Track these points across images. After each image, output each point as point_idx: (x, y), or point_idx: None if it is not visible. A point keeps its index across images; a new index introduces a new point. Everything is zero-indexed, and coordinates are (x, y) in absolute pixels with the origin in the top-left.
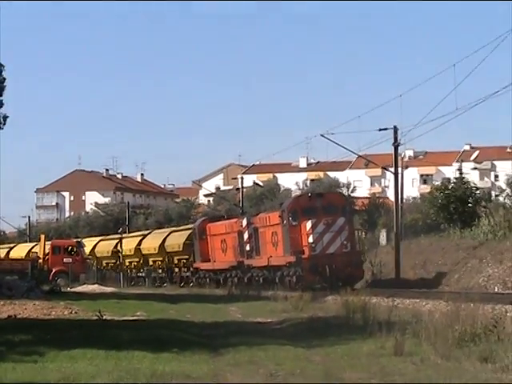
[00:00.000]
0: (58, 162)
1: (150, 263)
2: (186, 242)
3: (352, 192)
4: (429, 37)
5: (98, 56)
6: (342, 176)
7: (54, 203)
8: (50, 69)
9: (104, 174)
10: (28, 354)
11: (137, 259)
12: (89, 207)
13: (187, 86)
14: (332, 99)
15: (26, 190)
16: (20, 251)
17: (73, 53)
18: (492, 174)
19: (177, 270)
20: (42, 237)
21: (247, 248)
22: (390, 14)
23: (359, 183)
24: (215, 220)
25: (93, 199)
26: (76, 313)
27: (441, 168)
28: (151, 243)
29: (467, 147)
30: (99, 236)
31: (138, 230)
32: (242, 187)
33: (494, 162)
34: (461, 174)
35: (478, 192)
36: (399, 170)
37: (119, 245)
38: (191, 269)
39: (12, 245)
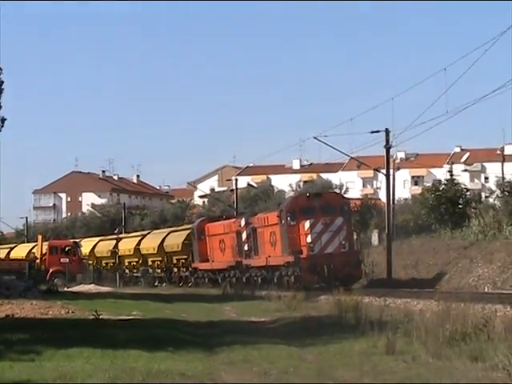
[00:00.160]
0: (55, 163)
1: (149, 263)
2: (184, 242)
3: (344, 193)
4: (420, 41)
5: (95, 59)
6: (335, 177)
7: (51, 204)
8: (47, 71)
9: (100, 176)
10: (25, 352)
11: (136, 259)
12: (85, 208)
13: (183, 88)
14: (325, 102)
15: (23, 192)
16: (20, 251)
17: (70, 55)
18: (482, 175)
19: (176, 269)
20: (40, 237)
21: (245, 248)
22: (382, 18)
23: (351, 184)
24: (214, 220)
25: (89, 200)
26: (73, 312)
27: (432, 170)
28: (150, 243)
29: (458, 149)
30: (96, 236)
31: (135, 231)
32: (237, 188)
33: (484, 164)
34: (451, 175)
35: (468, 193)
36: (391, 171)
37: (118, 245)
38: (190, 269)
39: (13, 245)
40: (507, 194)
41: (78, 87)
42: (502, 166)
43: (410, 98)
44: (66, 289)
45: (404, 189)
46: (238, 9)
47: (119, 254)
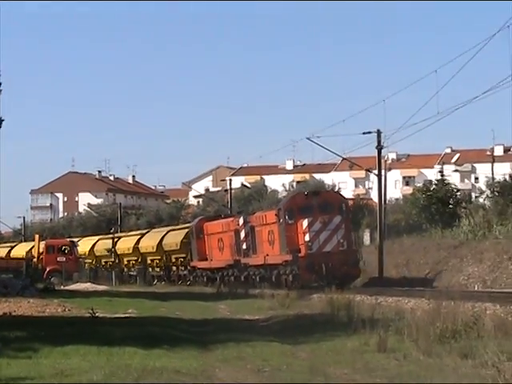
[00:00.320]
0: (52, 164)
1: (148, 262)
2: (183, 241)
3: None
4: (411, 43)
5: (93, 60)
6: (327, 178)
7: (48, 204)
8: (44, 72)
9: (97, 176)
10: (23, 350)
11: (135, 258)
12: (82, 208)
13: (178, 89)
14: (317, 103)
15: (20, 192)
16: (21, 250)
17: (67, 56)
18: (472, 176)
19: (174, 268)
20: (37, 236)
21: (244, 247)
22: (374, 22)
23: (344, 185)
24: (212, 219)
25: (86, 200)
26: (69, 310)
27: (423, 170)
28: (149, 242)
29: (448, 150)
30: (95, 235)
31: (130, 230)
32: (231, 189)
33: (474, 165)
34: (442, 176)
35: (458, 193)
36: (382, 172)
37: (117, 244)
38: (188, 267)
39: (13, 244)
40: (497, 194)
41: (75, 88)
42: (492, 166)
43: (402, 100)
44: (62, 287)
45: (395, 189)
46: (232, 10)
47: (118, 252)
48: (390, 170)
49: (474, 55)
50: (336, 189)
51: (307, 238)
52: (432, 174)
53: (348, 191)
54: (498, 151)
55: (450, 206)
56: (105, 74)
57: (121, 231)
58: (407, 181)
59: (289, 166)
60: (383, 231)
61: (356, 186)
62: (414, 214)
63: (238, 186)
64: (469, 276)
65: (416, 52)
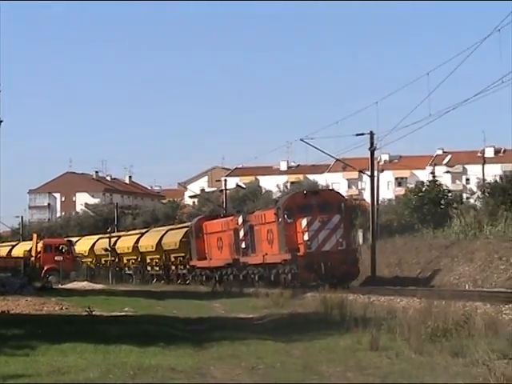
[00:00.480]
0: (50, 164)
1: (148, 261)
2: (182, 240)
3: None
4: (404, 46)
5: (90, 61)
6: (321, 179)
7: (45, 204)
8: (42, 74)
9: (94, 176)
10: (20, 347)
11: (135, 257)
12: (79, 208)
13: (174, 91)
14: (311, 105)
15: (19, 191)
16: (22, 249)
17: (65, 57)
18: (463, 177)
19: (173, 267)
20: (35, 236)
21: (243, 246)
22: (367, 24)
23: (337, 185)
24: (211, 218)
25: (83, 200)
26: (66, 308)
27: (415, 171)
28: (148, 241)
29: (440, 152)
30: (94, 235)
31: (127, 230)
32: (226, 189)
33: (466, 166)
34: (434, 177)
35: (449, 194)
36: (375, 173)
37: (117, 243)
38: (188, 266)
39: (14, 243)
40: (487, 195)
41: (73, 90)
42: (483, 167)
43: (394, 102)
44: (60, 286)
45: (388, 190)
46: (231, 12)
47: (118, 251)
48: (382, 171)
49: (466, 58)
50: None
51: (306, 237)
52: (424, 175)
53: (341, 192)
54: (489, 153)
55: (442, 206)
56: (102, 75)
57: (117, 231)
58: (399, 182)
59: (283, 166)
60: (376, 231)
61: (349, 186)
62: (406, 214)
63: (233, 186)
64: (460, 275)
65: (408, 55)
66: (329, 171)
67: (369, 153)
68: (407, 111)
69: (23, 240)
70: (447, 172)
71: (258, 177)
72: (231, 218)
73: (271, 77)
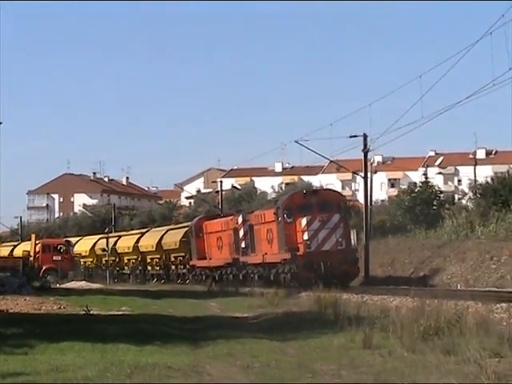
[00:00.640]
0: (49, 165)
1: (148, 260)
2: (182, 240)
3: None
4: (396, 49)
5: (88, 63)
6: (315, 180)
7: (44, 204)
8: (42, 77)
9: (91, 178)
10: (19, 346)
11: (135, 257)
12: (77, 208)
13: (171, 93)
14: (306, 108)
15: (18, 192)
16: (23, 249)
17: (63, 59)
18: (455, 178)
19: (173, 267)
20: (33, 236)
21: (242, 245)
22: (361, 28)
23: (331, 187)
24: (211, 218)
25: (81, 201)
26: (65, 308)
27: (407, 173)
28: (149, 241)
29: (432, 153)
30: (95, 235)
31: (124, 230)
32: (221, 190)
33: (457, 168)
34: (426, 178)
35: (442, 195)
36: (368, 174)
37: (118, 243)
38: (188, 266)
39: (16, 243)
40: (479, 196)
41: (71, 93)
42: (475, 169)
43: (387, 105)
44: (58, 285)
45: (381, 191)
46: (224, 14)
47: (119, 251)
48: (375, 172)
49: (458, 61)
50: None
51: (306, 236)
52: (416, 177)
53: None
54: (481, 154)
55: (434, 207)
56: (100, 78)
57: (115, 231)
58: (392, 183)
59: (278, 168)
60: (369, 232)
61: (343, 187)
62: (399, 215)
63: (229, 187)
64: (452, 275)
65: (401, 58)
66: (323, 172)
67: (362, 154)
68: (400, 113)
69: (22, 240)
70: (439, 173)
71: (253, 178)
72: (231, 217)
73: (266, 80)
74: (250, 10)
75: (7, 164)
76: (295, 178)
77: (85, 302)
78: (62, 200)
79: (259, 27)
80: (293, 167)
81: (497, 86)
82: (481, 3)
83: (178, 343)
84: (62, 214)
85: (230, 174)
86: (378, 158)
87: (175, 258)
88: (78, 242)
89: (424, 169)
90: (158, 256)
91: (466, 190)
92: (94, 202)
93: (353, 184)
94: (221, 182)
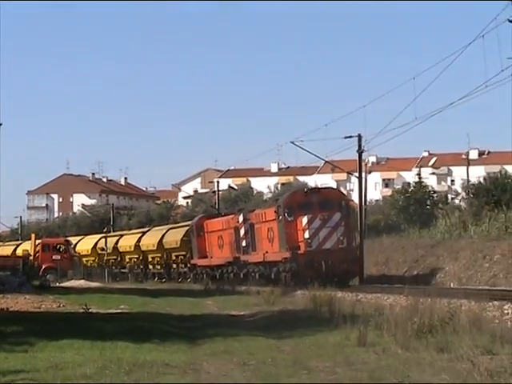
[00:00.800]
0: (48, 166)
1: (149, 259)
2: (183, 239)
3: None
4: (390, 51)
5: (86, 66)
6: (311, 180)
7: (44, 204)
8: (41, 77)
9: (90, 178)
10: (19, 344)
11: (136, 256)
12: (76, 208)
13: (168, 95)
14: (301, 109)
15: (18, 193)
16: (26, 248)
17: (61, 61)
18: (448, 178)
19: (175, 266)
20: (33, 235)
21: (243, 244)
22: (355, 30)
23: None
24: (212, 217)
25: (80, 201)
26: (64, 306)
27: (401, 173)
28: (150, 240)
29: (426, 154)
30: (97, 234)
31: (122, 230)
32: (218, 190)
33: (451, 168)
34: (420, 178)
35: (435, 195)
36: (363, 174)
37: (119, 242)
38: (189, 265)
39: (18, 242)
40: (472, 195)
41: (70, 95)
42: (467, 169)
43: (381, 106)
44: (57, 284)
45: (375, 191)
46: (219, 15)
47: (120, 250)
48: (370, 172)
49: (451, 63)
50: None
51: (307, 235)
52: (410, 177)
53: None
54: (473, 155)
55: (428, 207)
56: (99, 79)
57: (113, 231)
58: (386, 183)
59: (274, 168)
60: (363, 231)
61: (337, 188)
62: (393, 214)
63: (226, 187)
64: (445, 274)
65: (395, 60)
66: (318, 173)
67: (357, 155)
68: (394, 114)
69: (24, 240)
70: (433, 173)
71: (250, 178)
72: (232, 216)
73: (261, 82)
74: (247, 11)
75: (7, 164)
76: (291, 178)
77: (84, 301)
78: (61, 200)
79: (255, 29)
80: (288, 167)
81: (489, 88)
82: (473, 6)
83: (175, 341)
84: (61, 213)
85: (227, 174)
86: (373, 159)
87: (176, 256)
88: (79, 241)
89: (418, 169)
90: (160, 255)
91: (459, 190)
92: (92, 202)
93: (347, 184)
94: (218, 182)
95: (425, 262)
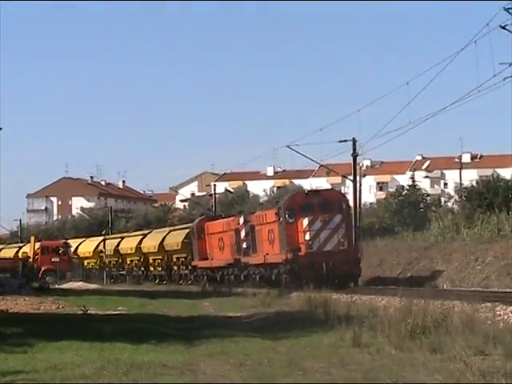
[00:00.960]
0: (47, 170)
1: (150, 261)
2: (184, 241)
3: None
4: (384, 56)
5: (85, 70)
6: (306, 183)
7: (43, 207)
8: (39, 82)
9: (89, 181)
10: (19, 345)
11: (138, 258)
12: (75, 211)
13: (165, 98)
14: (296, 113)
15: (17, 196)
16: (27, 250)
17: (59, 64)
18: (441, 181)
19: (176, 268)
20: (32, 238)
21: (244, 246)
22: (349, 36)
23: None
24: (213, 219)
25: (79, 204)
26: (63, 307)
27: (395, 176)
28: (151, 242)
29: (419, 157)
30: (97, 236)
31: (120, 232)
32: (215, 193)
33: (444, 171)
34: (413, 181)
35: (428, 198)
36: (357, 178)
37: (120, 244)
38: (189, 267)
39: (21, 244)
40: (464, 199)
41: (69, 99)
42: (460, 172)
43: (376, 110)
44: (56, 286)
45: (370, 194)
46: (215, 17)
47: (121, 252)
48: (364, 176)
49: (443, 68)
50: None
51: (307, 236)
52: (404, 180)
53: None
54: (466, 158)
55: (421, 209)
56: (97, 84)
57: (112, 233)
58: (381, 186)
59: (270, 172)
60: (358, 234)
61: None
62: (387, 217)
63: (222, 191)
64: (438, 276)
65: (389, 65)
66: (313, 176)
67: (351, 158)
68: (388, 119)
69: (27, 242)
70: (426, 177)
71: (246, 182)
72: (232, 218)
73: (257, 86)
74: (243, 14)
75: (7, 168)
76: (286, 181)
77: (82, 302)
78: (60, 203)
79: (252, 33)
80: (284, 171)
81: (481, 93)
82: (466, 12)
83: (172, 342)
84: (60, 216)
85: (224, 177)
86: (367, 162)
87: (177, 258)
88: (81, 243)
89: (411, 172)
90: (160, 257)
91: (452, 193)
92: (91, 205)
93: (342, 187)
94: (214, 185)
95: (418, 264)
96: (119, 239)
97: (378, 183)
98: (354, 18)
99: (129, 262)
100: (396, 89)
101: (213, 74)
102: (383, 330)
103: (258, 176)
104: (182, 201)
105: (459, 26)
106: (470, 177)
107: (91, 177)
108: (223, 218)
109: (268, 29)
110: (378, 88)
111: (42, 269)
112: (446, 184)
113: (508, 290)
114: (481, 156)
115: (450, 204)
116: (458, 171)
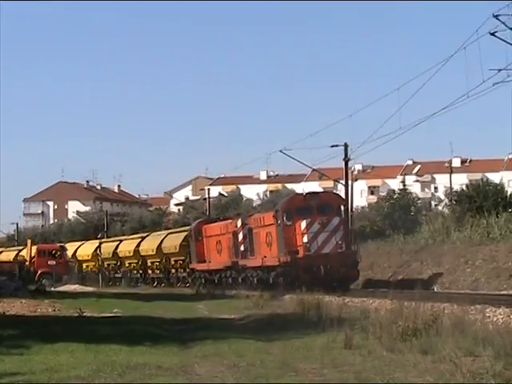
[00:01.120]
0: (43, 174)
1: (149, 264)
2: (182, 244)
3: None
4: (375, 62)
5: (81, 74)
6: (298, 188)
7: (39, 211)
8: (37, 86)
9: (85, 185)
10: (15, 347)
11: (136, 260)
12: (71, 215)
13: (161, 103)
14: (289, 118)
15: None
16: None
17: (57, 68)
18: (432, 185)
19: (174, 270)
20: (29, 241)
21: (242, 248)
22: (341, 41)
23: None
24: (211, 221)
25: (74, 208)
26: (59, 310)
27: (386, 180)
28: (149, 245)
29: (410, 162)
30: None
31: (116, 236)
32: (209, 197)
33: (434, 175)
34: (404, 185)
35: (419, 202)
36: (349, 182)
37: (119, 247)
38: (187, 270)
39: (20, 248)
40: (454, 202)
41: (66, 103)
42: (450, 177)
43: (367, 115)
44: (53, 289)
45: (361, 198)
46: (212, 20)
47: (120, 255)
48: (356, 180)
49: (434, 74)
50: None
51: (305, 239)
52: (395, 184)
53: None
54: (456, 163)
55: (412, 213)
56: (93, 88)
57: (107, 237)
58: (372, 190)
59: (263, 176)
60: (354, 236)
61: None
62: (379, 220)
63: (216, 194)
64: (429, 278)
65: (379, 71)
66: (306, 180)
67: (343, 163)
68: (379, 124)
69: (19, 245)
70: (417, 181)
71: (239, 186)
72: (230, 221)
73: (250, 91)
74: (236, 19)
75: (4, 173)
76: (279, 185)
77: (78, 305)
78: (56, 207)
79: (246, 37)
80: (277, 175)
81: (471, 98)
82: (455, 19)
83: (167, 344)
84: (56, 220)
85: (217, 181)
86: (359, 167)
87: (175, 261)
88: (80, 246)
89: (402, 177)
90: (159, 260)
91: (442, 197)
92: (87, 208)
93: (334, 191)
94: (208, 189)
95: (409, 267)
96: (118, 242)
97: (369, 187)
98: (347, 24)
99: (127, 265)
100: (387, 94)
101: (207, 79)
102: (375, 332)
103: (251, 180)
104: (176, 205)
105: (449, 32)
106: (460, 181)
107: (87, 181)
108: (221, 220)
109: (260, 34)
110: (370, 94)
111: (39, 272)
112: (436, 188)
113: (497, 293)
114: (470, 160)
115: (440, 208)
116: (448, 175)
